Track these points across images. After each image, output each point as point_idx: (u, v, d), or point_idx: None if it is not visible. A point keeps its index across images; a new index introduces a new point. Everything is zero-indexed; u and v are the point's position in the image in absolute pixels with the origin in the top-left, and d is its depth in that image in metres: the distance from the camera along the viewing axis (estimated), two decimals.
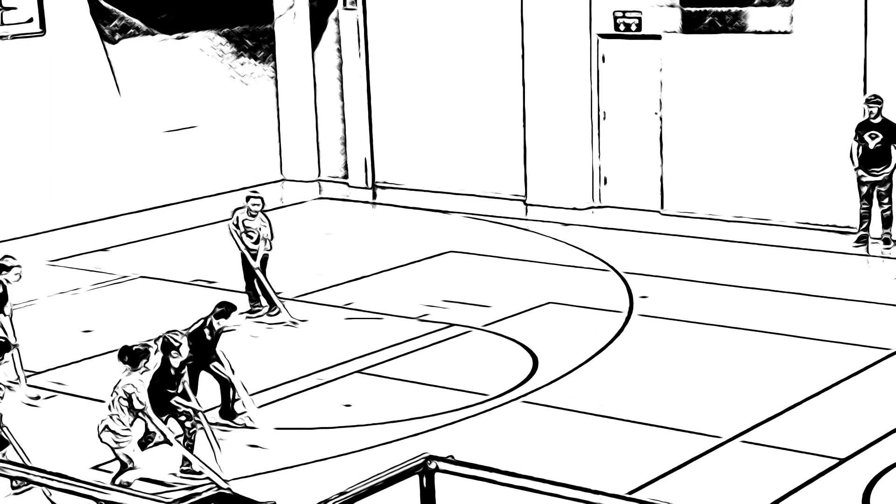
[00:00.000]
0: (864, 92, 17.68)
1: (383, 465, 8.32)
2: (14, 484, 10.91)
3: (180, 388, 11.17)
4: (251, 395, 12.52)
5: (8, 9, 19.82)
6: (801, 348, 13.93)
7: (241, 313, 13.43)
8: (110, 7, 21.11)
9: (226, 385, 12.36)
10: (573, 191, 20.23)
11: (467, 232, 19.49)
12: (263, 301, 15.49)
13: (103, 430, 10.62)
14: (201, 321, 12.14)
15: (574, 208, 20.14)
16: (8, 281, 13.43)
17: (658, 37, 19.50)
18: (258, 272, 15.35)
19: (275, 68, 23.10)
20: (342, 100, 22.58)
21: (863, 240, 17.56)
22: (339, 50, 22.46)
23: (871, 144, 17.19)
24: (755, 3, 18.89)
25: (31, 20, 20.09)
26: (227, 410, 12.44)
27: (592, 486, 7.57)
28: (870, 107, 17.20)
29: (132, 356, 10.63)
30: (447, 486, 7.86)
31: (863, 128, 17.28)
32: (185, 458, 11.19)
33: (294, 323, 15.25)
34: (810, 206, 18.47)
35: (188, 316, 14.88)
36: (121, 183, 21.10)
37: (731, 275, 16.59)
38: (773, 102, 18.62)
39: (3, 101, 19.76)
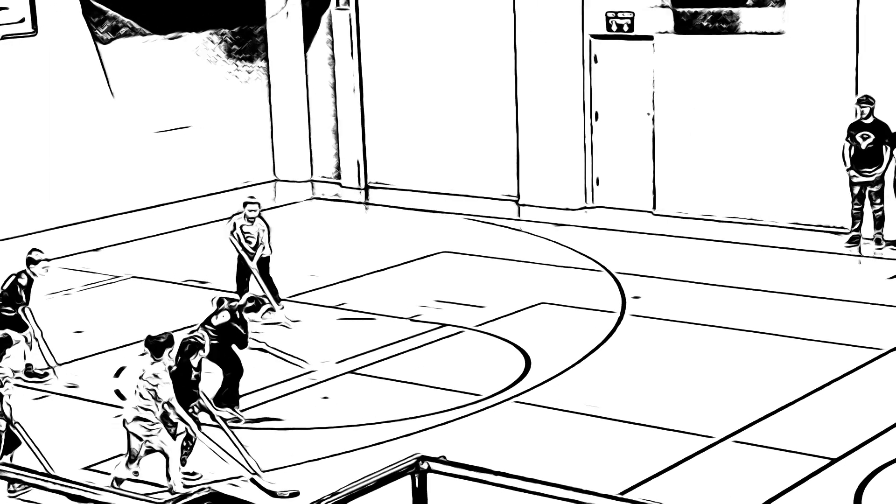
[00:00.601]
0: (856, 92, 17.70)
1: (375, 466, 8.32)
2: (11, 488, 10.84)
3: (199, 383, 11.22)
4: (245, 394, 12.54)
5: None
6: (793, 348, 13.94)
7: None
8: (102, 7, 21.07)
9: (237, 371, 12.49)
10: (565, 191, 20.23)
11: (459, 232, 19.48)
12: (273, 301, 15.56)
13: (133, 420, 10.60)
14: (227, 313, 12.29)
15: (566, 209, 20.14)
16: (35, 274, 13.38)
17: (651, 37, 19.49)
18: (258, 276, 15.37)
19: (267, 68, 23.08)
20: (335, 100, 22.58)
21: (855, 240, 17.57)
22: (332, 50, 22.45)
23: (863, 145, 17.21)
24: (748, 4, 18.91)
25: (22, 20, 20.05)
26: (224, 396, 12.47)
27: (584, 487, 7.57)
28: (862, 107, 17.22)
29: (155, 346, 10.63)
30: (439, 486, 7.86)
31: (855, 128, 17.29)
32: (184, 460, 11.17)
33: (287, 327, 15.27)
34: (802, 207, 18.47)
35: (180, 316, 14.90)
36: (112, 183, 21.06)
37: (724, 275, 16.59)
38: (765, 103, 18.62)
39: None
